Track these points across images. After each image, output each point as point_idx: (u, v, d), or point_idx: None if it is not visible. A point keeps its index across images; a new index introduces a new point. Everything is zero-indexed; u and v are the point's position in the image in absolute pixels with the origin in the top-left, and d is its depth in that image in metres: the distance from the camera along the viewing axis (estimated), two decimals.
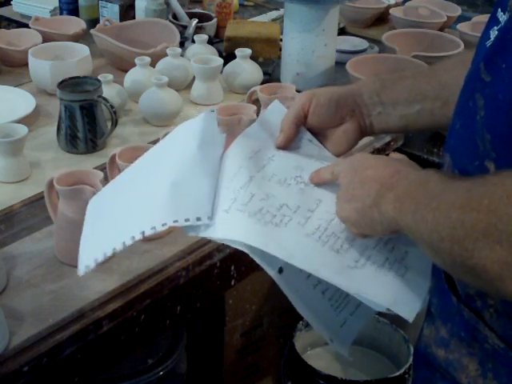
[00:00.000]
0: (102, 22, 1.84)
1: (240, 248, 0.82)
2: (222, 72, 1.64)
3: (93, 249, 0.88)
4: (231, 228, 0.84)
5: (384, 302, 0.83)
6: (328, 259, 0.84)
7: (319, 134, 0.99)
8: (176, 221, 0.84)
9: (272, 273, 0.83)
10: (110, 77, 1.49)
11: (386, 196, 0.77)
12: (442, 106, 0.95)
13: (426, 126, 1.00)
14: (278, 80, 1.71)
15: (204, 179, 0.88)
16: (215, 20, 2.00)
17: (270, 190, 0.88)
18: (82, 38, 1.81)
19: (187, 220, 0.84)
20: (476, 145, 0.73)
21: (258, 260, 0.82)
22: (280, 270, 0.84)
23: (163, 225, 0.83)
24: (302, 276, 0.85)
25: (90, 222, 0.94)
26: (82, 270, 0.87)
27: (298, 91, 1.31)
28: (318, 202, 0.89)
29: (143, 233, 0.83)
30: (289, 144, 0.97)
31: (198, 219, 0.84)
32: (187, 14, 1.97)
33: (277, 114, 1.00)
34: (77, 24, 1.85)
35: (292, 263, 0.82)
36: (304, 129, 0.98)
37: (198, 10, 2.13)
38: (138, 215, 0.87)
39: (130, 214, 0.89)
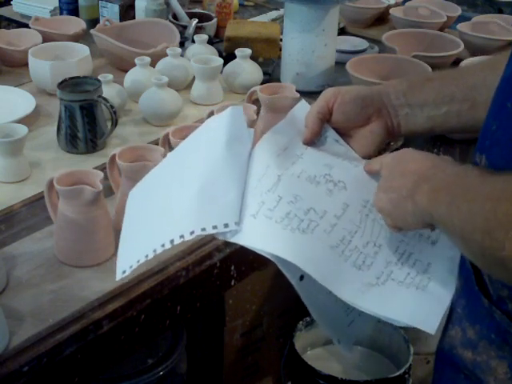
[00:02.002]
0: (102, 22, 1.84)
1: (266, 255, 0.83)
2: (222, 72, 1.64)
3: (129, 254, 0.89)
4: (258, 236, 0.84)
5: (403, 319, 0.83)
6: (349, 276, 0.84)
7: (345, 134, 0.99)
8: (204, 229, 0.84)
9: (293, 281, 0.84)
10: (110, 77, 1.49)
11: (422, 187, 0.77)
12: (470, 108, 0.95)
13: (453, 128, 1.00)
14: (278, 80, 1.71)
15: (231, 181, 0.88)
16: (215, 20, 2.00)
17: (299, 189, 0.88)
18: (81, 38, 1.81)
19: (215, 227, 0.84)
20: None
21: (281, 267, 0.82)
22: (301, 278, 0.84)
23: (191, 233, 0.84)
24: (319, 283, 0.85)
25: (128, 222, 0.94)
26: (119, 275, 0.89)
27: (298, 91, 1.31)
28: (344, 208, 0.89)
29: (172, 241, 0.84)
30: (314, 138, 0.96)
31: (226, 226, 0.84)
32: (187, 13, 1.97)
33: (303, 113, 1.00)
34: (77, 24, 1.84)
35: (314, 278, 0.82)
36: (330, 128, 0.98)
37: (198, 10, 2.13)
38: (168, 222, 0.87)
39: (161, 219, 0.89)
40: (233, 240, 0.85)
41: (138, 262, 0.86)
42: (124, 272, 0.88)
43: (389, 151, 1.52)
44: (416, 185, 0.79)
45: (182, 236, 0.84)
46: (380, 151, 1.48)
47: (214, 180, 0.88)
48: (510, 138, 0.73)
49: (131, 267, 0.87)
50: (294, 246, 0.83)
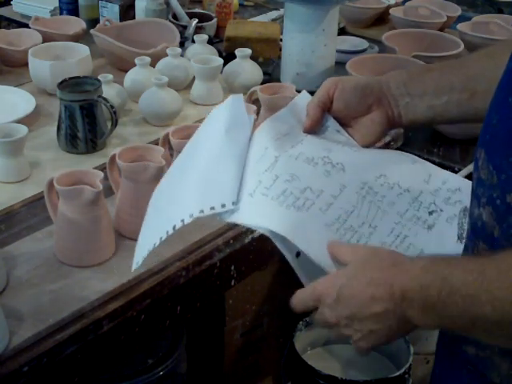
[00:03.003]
0: (102, 21, 1.84)
1: (263, 232, 0.83)
2: (222, 72, 1.64)
3: (141, 247, 0.90)
4: (254, 213, 0.85)
5: None
6: None
7: (346, 124, 0.99)
8: (202, 211, 0.85)
9: (289, 257, 0.84)
10: (110, 77, 1.49)
11: (412, 314, 0.75)
12: (469, 98, 0.95)
13: (454, 118, 1.00)
14: (278, 80, 1.71)
15: (230, 164, 0.89)
16: (215, 20, 2.00)
17: (296, 169, 0.89)
18: (81, 38, 1.81)
19: (212, 208, 0.85)
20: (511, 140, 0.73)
21: (277, 243, 0.83)
22: (297, 254, 0.84)
23: (191, 216, 0.84)
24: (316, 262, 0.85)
25: (145, 222, 0.95)
26: (134, 266, 0.89)
27: (298, 91, 1.31)
28: (341, 188, 0.89)
29: (174, 227, 0.85)
30: (315, 127, 0.97)
31: (223, 206, 0.85)
32: (187, 13, 1.97)
33: (304, 102, 1.00)
34: (77, 24, 1.85)
35: (308, 255, 0.82)
36: (331, 118, 0.98)
37: (197, 9, 2.13)
38: (172, 209, 0.89)
39: (166, 207, 0.90)
40: (229, 220, 0.85)
41: (148, 250, 0.87)
42: (138, 263, 0.89)
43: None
44: (403, 319, 0.76)
45: (182, 220, 0.85)
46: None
47: (213, 164, 0.89)
48: (509, 132, 0.74)
49: (143, 257, 0.88)
50: (288, 222, 0.83)
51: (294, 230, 0.83)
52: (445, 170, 0.96)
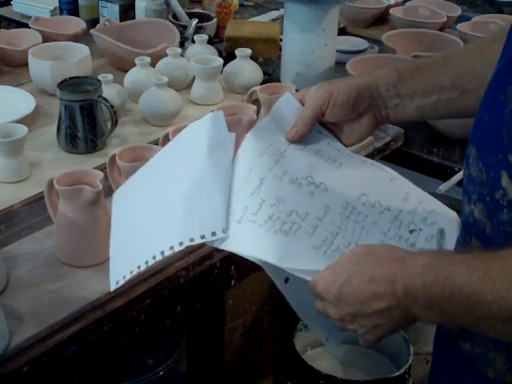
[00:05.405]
0: (101, 22, 1.84)
1: (253, 260, 0.83)
2: (222, 72, 1.64)
3: (122, 264, 0.90)
4: (243, 242, 0.85)
5: None
6: None
7: (333, 128, 0.99)
8: (192, 239, 0.85)
9: (279, 283, 0.85)
10: (110, 77, 1.48)
11: (415, 310, 0.75)
12: (459, 96, 0.95)
13: (443, 115, 1.00)
14: (278, 80, 1.71)
15: (216, 189, 0.88)
16: (215, 20, 2.00)
17: (281, 192, 0.89)
18: (81, 38, 1.81)
19: (203, 237, 0.85)
20: (501, 138, 0.74)
21: (267, 271, 0.84)
22: (286, 280, 0.86)
23: (180, 244, 0.85)
24: (305, 284, 0.86)
25: (116, 229, 0.94)
26: (113, 285, 0.89)
27: (298, 91, 1.31)
28: (326, 210, 0.90)
29: (163, 253, 0.85)
30: (301, 140, 0.97)
31: (213, 234, 0.85)
32: (187, 14, 1.97)
33: (288, 106, 0.99)
34: (77, 24, 1.84)
35: (299, 276, 0.83)
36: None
37: (198, 9, 2.13)
38: (158, 233, 0.88)
39: (150, 230, 0.90)
40: (221, 247, 0.86)
41: (132, 272, 0.87)
42: (117, 282, 0.89)
43: (389, 151, 1.52)
44: (405, 313, 0.75)
45: (171, 247, 0.85)
46: (379, 150, 1.49)
47: (199, 189, 0.89)
48: (499, 129, 0.74)
49: (125, 277, 0.88)
50: (277, 248, 0.84)
51: (283, 256, 0.83)
52: (419, 189, 0.97)
